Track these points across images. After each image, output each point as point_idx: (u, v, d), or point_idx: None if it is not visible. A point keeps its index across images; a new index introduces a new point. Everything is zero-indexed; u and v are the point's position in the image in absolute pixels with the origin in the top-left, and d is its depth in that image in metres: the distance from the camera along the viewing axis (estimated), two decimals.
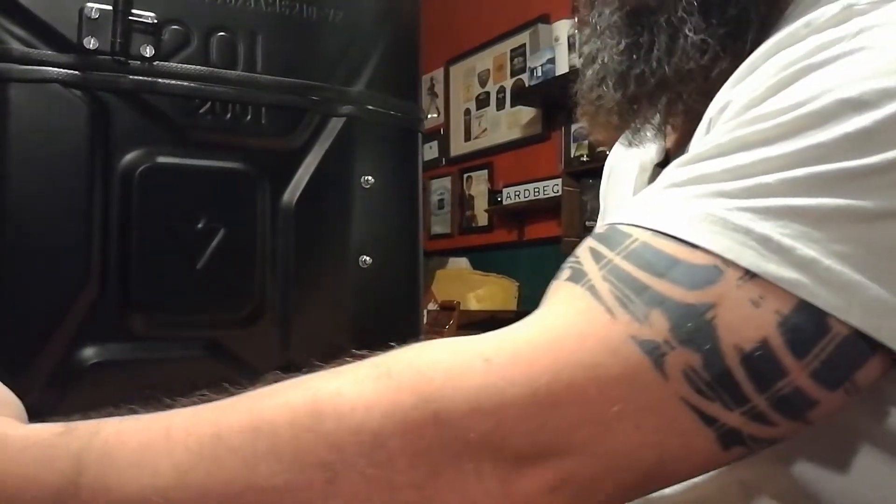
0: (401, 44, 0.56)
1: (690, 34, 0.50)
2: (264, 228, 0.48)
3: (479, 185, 3.67)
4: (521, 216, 3.34)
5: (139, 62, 0.45)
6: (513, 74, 3.50)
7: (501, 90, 3.58)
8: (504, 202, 3.38)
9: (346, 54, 0.53)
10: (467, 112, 3.79)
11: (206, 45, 0.47)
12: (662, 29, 0.52)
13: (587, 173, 2.88)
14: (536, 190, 3.20)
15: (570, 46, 2.90)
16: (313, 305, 0.52)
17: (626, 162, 0.79)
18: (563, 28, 2.95)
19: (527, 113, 3.35)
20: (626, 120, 0.57)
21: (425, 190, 3.87)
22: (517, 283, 3.23)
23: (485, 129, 3.66)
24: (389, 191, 0.55)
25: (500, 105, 3.59)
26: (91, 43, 0.43)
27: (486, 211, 3.53)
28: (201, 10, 0.47)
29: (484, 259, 3.45)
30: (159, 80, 0.45)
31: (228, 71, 0.47)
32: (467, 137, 3.78)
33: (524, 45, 3.38)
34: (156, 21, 0.45)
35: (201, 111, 0.47)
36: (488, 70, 3.67)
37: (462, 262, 3.48)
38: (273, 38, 0.47)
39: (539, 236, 3.23)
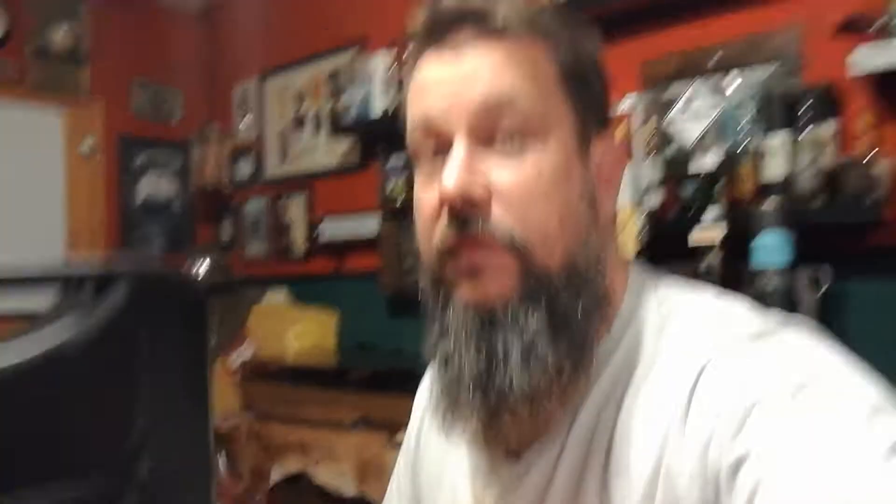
0: None
1: (544, 353, 0.52)
2: None
3: (297, 210, 3.51)
4: (341, 248, 3.27)
5: None
6: (332, 95, 3.35)
7: (319, 114, 3.46)
8: (321, 239, 3.26)
9: None
10: (282, 135, 3.64)
11: None
12: (514, 344, 0.52)
13: (405, 211, 2.88)
14: (355, 226, 3.12)
15: (387, 83, 2.86)
16: None
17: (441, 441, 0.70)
18: (379, 61, 2.90)
19: (345, 141, 3.27)
20: (489, 426, 0.56)
21: (239, 210, 3.68)
22: (336, 315, 3.16)
23: (302, 152, 3.53)
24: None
25: (318, 129, 3.47)
26: None
27: (304, 242, 3.40)
28: None
29: (303, 289, 3.34)
30: None
31: None
32: (283, 159, 3.62)
33: (340, 71, 3.29)
34: None
35: None
36: (304, 92, 3.53)
37: (279, 296, 3.35)
38: None
39: (359, 267, 3.18)
